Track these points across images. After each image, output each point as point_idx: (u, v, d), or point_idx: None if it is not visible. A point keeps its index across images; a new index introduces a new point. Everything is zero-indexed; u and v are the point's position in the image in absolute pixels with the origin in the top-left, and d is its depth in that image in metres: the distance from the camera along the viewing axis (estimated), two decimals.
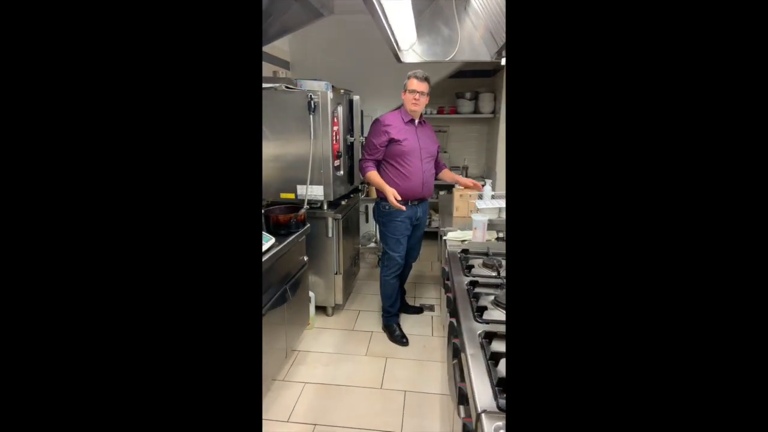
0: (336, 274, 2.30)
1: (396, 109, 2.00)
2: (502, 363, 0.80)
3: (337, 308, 2.42)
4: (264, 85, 1.96)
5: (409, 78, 1.87)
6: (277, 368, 1.77)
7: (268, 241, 1.55)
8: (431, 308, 2.46)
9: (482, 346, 0.87)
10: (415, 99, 1.85)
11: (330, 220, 2.16)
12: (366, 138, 2.06)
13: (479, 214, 1.65)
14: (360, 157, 2.06)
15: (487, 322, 0.98)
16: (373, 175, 1.96)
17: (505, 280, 1.20)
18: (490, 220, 1.69)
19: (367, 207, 3.19)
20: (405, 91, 1.90)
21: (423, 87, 1.86)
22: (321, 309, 2.38)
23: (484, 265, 1.38)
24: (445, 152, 3.73)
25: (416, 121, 1.96)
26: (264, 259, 1.49)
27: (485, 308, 1.03)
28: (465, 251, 1.49)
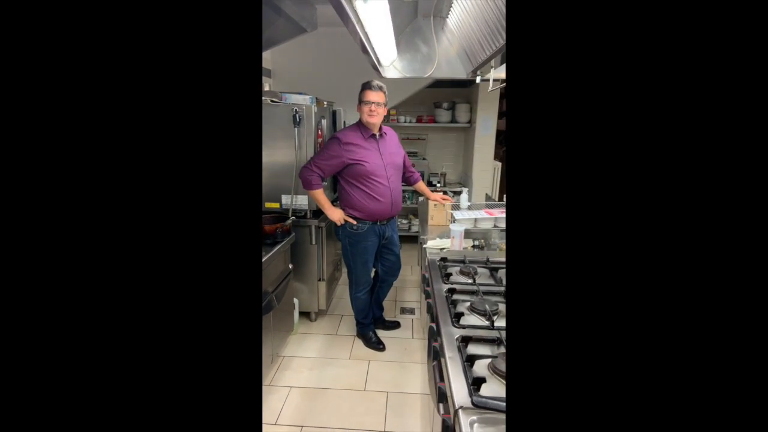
0: (319, 280, 2.36)
1: (355, 124, 1.90)
2: (477, 364, 0.91)
3: (320, 313, 2.48)
4: None
5: (363, 89, 1.79)
6: (264, 374, 1.82)
7: None
8: (412, 311, 2.56)
9: (459, 350, 0.97)
10: (370, 110, 1.77)
11: (313, 227, 2.23)
12: (321, 149, 1.93)
13: (456, 224, 1.76)
14: (305, 164, 1.90)
15: (464, 327, 1.08)
16: (319, 193, 1.88)
17: (480, 288, 1.31)
18: (466, 230, 1.81)
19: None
20: (360, 103, 1.80)
21: (378, 97, 1.77)
22: (305, 314, 2.43)
23: (461, 273, 1.49)
24: (424, 159, 3.85)
25: (377, 135, 1.88)
26: None
27: (462, 314, 1.14)
28: (444, 259, 1.60)
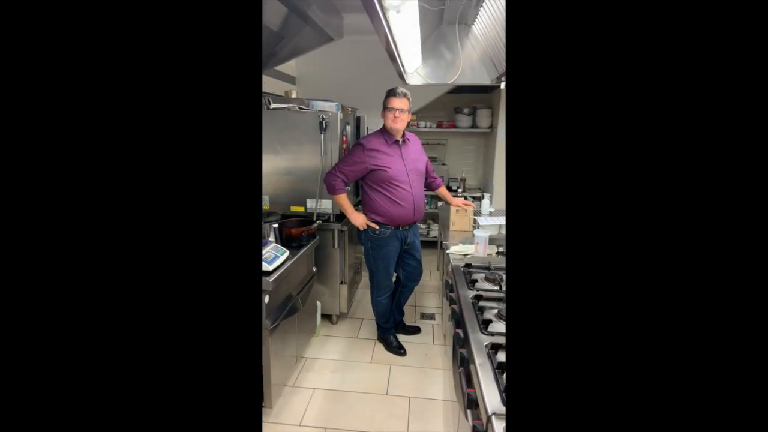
0: (341, 283, 2.39)
1: (379, 130, 1.94)
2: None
3: (341, 316, 2.51)
4: (279, 105, 2.07)
5: (387, 96, 1.83)
6: (288, 375, 1.85)
7: (283, 254, 1.65)
8: (431, 317, 2.56)
9: (489, 357, 0.97)
10: (394, 116, 1.81)
11: (336, 231, 2.26)
12: (345, 155, 2.00)
13: (481, 230, 1.76)
14: (330, 169, 1.95)
15: (492, 334, 1.09)
16: (342, 198, 1.92)
17: (505, 293, 1.31)
18: (490, 236, 1.81)
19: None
20: (384, 109, 1.85)
21: (402, 104, 1.82)
22: (326, 317, 2.47)
23: (487, 279, 1.49)
24: (443, 164, 3.85)
25: (400, 141, 1.92)
26: (281, 272, 1.58)
27: (490, 321, 1.14)
28: (468, 265, 1.60)
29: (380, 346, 2.23)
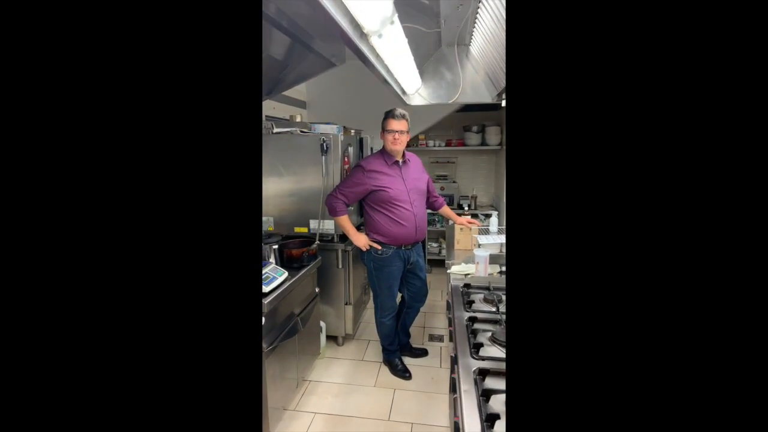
0: (346, 304, 2.38)
1: (379, 151, 1.96)
2: (493, 399, 0.87)
3: (347, 338, 2.48)
4: (282, 130, 2.13)
5: (386, 118, 1.85)
6: (289, 398, 1.83)
7: (281, 275, 1.66)
8: (440, 338, 2.49)
9: (476, 383, 0.93)
10: (393, 138, 1.83)
11: (340, 251, 2.26)
12: (346, 177, 2.01)
13: (481, 249, 1.73)
14: (331, 191, 1.96)
15: (483, 358, 1.04)
16: (344, 220, 1.93)
17: (503, 316, 1.26)
18: (493, 254, 1.76)
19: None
20: (383, 131, 1.86)
21: (401, 126, 1.83)
22: (332, 338, 2.44)
23: (485, 300, 1.44)
24: (454, 182, 3.84)
25: (400, 162, 1.93)
26: (278, 293, 1.59)
27: (481, 345, 1.10)
28: (467, 285, 1.56)
29: (385, 369, 2.18)
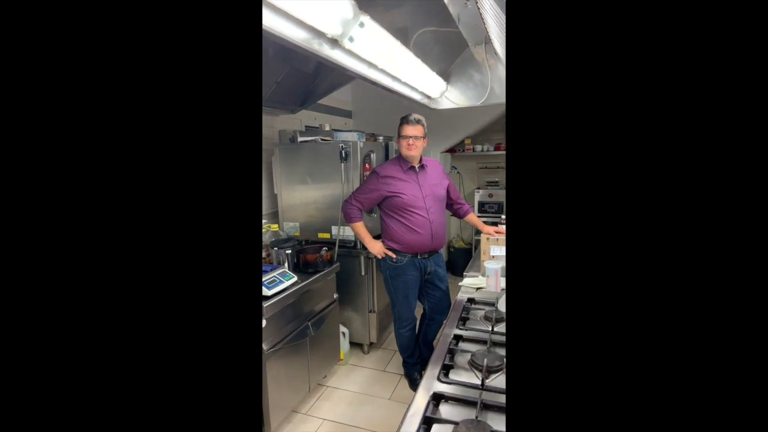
0: (370, 312, 2.35)
1: (395, 157, 1.94)
2: (435, 427, 0.78)
3: (372, 346, 2.45)
4: (305, 138, 2.21)
5: (401, 124, 1.83)
6: (298, 400, 1.85)
7: (289, 280, 1.70)
8: None
9: (427, 407, 0.85)
10: (408, 144, 1.80)
11: (362, 259, 2.26)
12: (362, 183, 2.00)
13: (493, 261, 1.58)
14: (347, 198, 1.97)
15: (449, 382, 0.94)
16: (359, 226, 1.92)
17: (492, 336, 1.14)
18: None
19: None
20: (399, 137, 1.84)
21: (416, 131, 1.80)
22: (357, 345, 2.44)
23: (485, 318, 1.31)
24: (504, 189, 3.60)
25: (417, 167, 1.88)
26: (283, 296, 1.63)
27: (452, 367, 1.00)
28: (471, 300, 1.44)
29: (405, 383, 2.11)
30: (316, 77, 2.34)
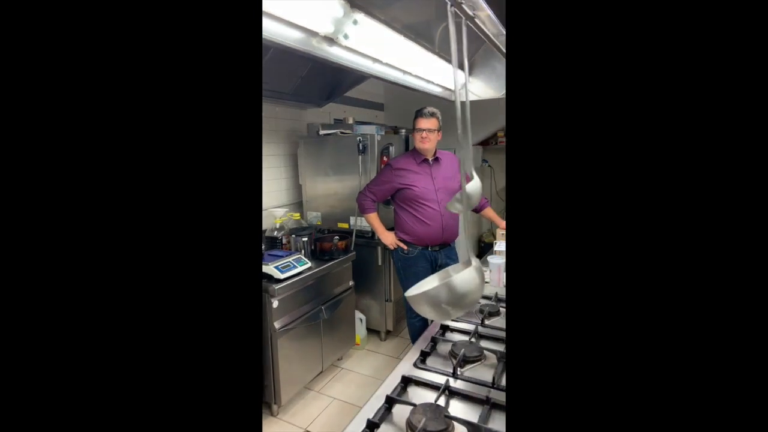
0: (387, 301, 2.42)
1: (410, 150, 1.98)
2: (398, 408, 0.82)
3: (390, 334, 2.52)
4: (326, 131, 2.30)
5: (415, 117, 1.86)
6: (310, 378, 1.97)
7: (303, 265, 1.81)
8: None
9: (394, 390, 0.89)
10: (422, 137, 1.83)
11: (379, 249, 2.32)
12: (376, 175, 2.08)
13: (497, 255, 1.57)
14: (362, 189, 2.04)
15: (423, 369, 0.98)
16: (372, 217, 1.98)
17: (477, 328, 1.15)
18: None
19: None
20: (413, 130, 1.87)
21: (430, 124, 1.82)
22: (374, 332, 2.52)
23: (479, 312, 1.32)
24: None
25: (430, 160, 1.91)
26: (295, 280, 1.75)
27: (429, 354, 1.03)
28: None
29: None
30: (340, 71, 2.41)
